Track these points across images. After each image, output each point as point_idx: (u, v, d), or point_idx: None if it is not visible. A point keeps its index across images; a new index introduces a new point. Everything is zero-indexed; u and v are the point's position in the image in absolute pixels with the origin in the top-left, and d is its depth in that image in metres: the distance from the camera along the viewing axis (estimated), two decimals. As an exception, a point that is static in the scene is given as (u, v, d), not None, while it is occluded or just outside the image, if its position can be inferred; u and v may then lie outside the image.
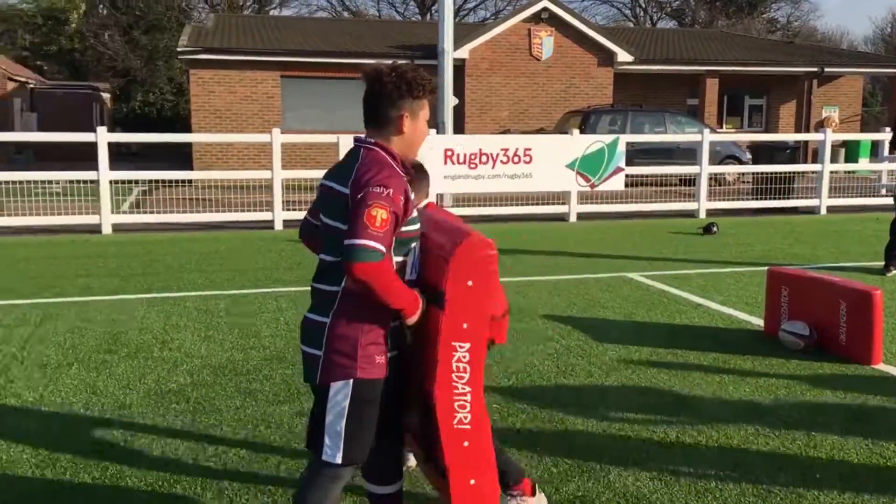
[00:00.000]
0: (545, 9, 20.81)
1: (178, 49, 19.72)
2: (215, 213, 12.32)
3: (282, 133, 12.21)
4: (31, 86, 31.16)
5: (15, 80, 29.39)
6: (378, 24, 32.07)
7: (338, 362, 2.44)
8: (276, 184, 11.81)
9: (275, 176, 11.80)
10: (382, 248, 2.35)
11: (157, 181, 15.88)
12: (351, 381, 2.44)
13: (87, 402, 4.52)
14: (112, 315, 6.50)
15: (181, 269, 8.54)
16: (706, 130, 14.07)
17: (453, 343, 2.57)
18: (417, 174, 3.26)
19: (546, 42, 21.10)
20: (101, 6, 39.76)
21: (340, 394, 2.45)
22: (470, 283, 2.52)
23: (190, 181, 16.46)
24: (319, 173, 13.33)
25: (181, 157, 24.34)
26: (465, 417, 2.63)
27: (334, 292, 2.48)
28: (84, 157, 25.60)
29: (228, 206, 12.93)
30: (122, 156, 28.71)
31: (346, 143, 11.70)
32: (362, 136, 2.62)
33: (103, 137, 11.20)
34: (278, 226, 11.87)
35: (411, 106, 2.55)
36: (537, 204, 13.29)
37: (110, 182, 11.36)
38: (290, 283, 7.85)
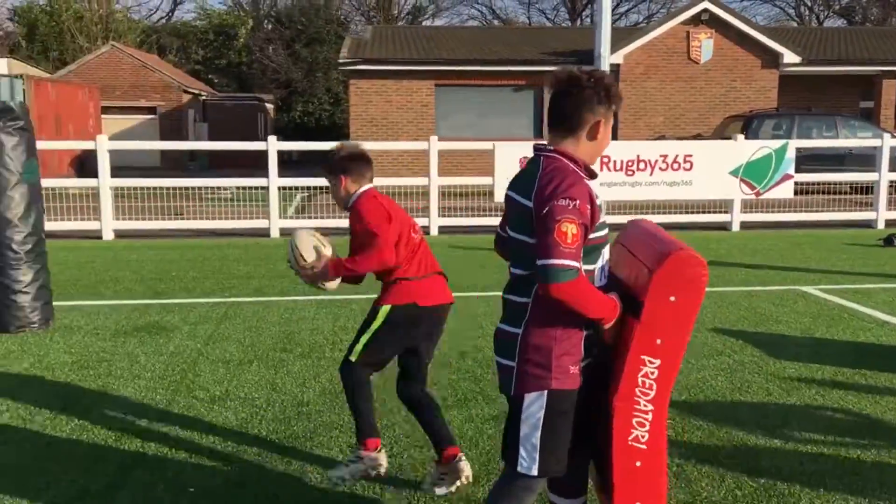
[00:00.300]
0: (705, 10, 20.10)
1: (339, 60, 20.51)
2: (373, 218, 12.65)
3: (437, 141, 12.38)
4: (203, 97, 33.32)
5: (189, 93, 31.52)
6: (529, 31, 32.07)
7: (532, 373, 2.42)
8: (432, 190, 12.02)
9: (431, 183, 12.01)
10: (577, 265, 2.31)
11: (318, 188, 16.57)
12: (545, 392, 2.41)
13: (268, 397, 4.74)
14: (284, 315, 6.80)
15: (345, 273, 8.82)
16: (886, 135, 13.11)
17: (643, 357, 2.48)
18: (360, 161, 3.62)
19: (706, 44, 20.37)
20: (266, 22, 42.03)
21: (535, 405, 2.42)
22: (673, 298, 2.42)
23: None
24: (472, 180, 13.48)
25: (338, 164, 25.30)
26: (643, 436, 2.52)
27: (525, 303, 2.46)
28: (249, 164, 27.08)
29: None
30: (282, 163, 30.19)
31: (502, 151, 11.76)
32: (542, 143, 2.58)
33: (273, 146, 11.78)
34: (434, 231, 12.07)
35: (606, 113, 2.50)
36: (697, 212, 12.82)
37: (279, 188, 11.94)
38: (449, 288, 7.93)
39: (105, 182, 11.28)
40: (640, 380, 2.48)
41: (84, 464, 3.82)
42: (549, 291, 2.29)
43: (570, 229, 2.29)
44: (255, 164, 28.55)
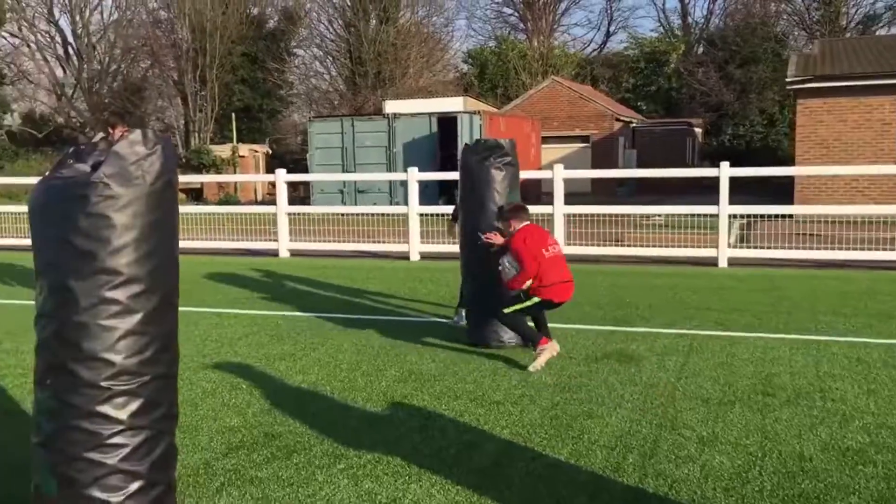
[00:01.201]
0: None
1: (787, 80, 19.22)
2: (829, 250, 11.48)
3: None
4: (633, 125, 33.86)
5: (620, 120, 32.26)
6: None
7: None
8: (911, 220, 10.50)
9: (914, 211, 10.49)
10: None
11: (759, 216, 15.62)
12: None
13: (762, 445, 4.38)
14: (756, 354, 6.36)
15: (812, 309, 8.06)
16: None
17: None
18: (520, 211, 6.30)
19: None
20: (696, 46, 41.45)
21: None
22: None
23: (790, 215, 15.81)
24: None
25: (770, 188, 23.70)
26: None
27: None
28: (676, 190, 26.69)
29: (841, 243, 11.89)
30: (702, 188, 29.36)
31: None
32: None
33: (725, 173, 11.33)
34: (912, 268, 10.55)
35: None
36: None
37: (729, 216, 11.48)
38: (949, 336, 6.76)
39: (559, 209, 11.88)
40: None
41: (588, 490, 3.86)
42: None
43: None
44: (681, 190, 28.20)
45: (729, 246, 11.69)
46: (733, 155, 34.62)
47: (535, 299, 6.11)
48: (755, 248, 12.14)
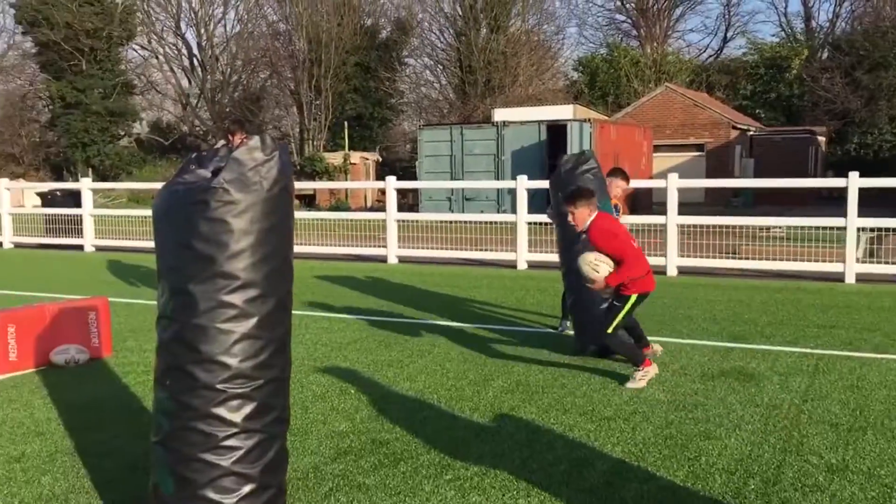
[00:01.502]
0: None
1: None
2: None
3: None
4: (751, 133, 32.61)
5: (737, 128, 31.11)
6: None
7: None
8: None
9: None
10: None
11: (888, 229, 14.70)
12: None
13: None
14: (888, 376, 5.93)
15: (952, 332, 7.47)
16: None
17: None
18: (591, 194, 5.74)
19: None
20: (821, 51, 39.61)
21: None
22: None
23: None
24: None
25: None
26: None
27: None
28: (794, 201, 25.45)
29: None
30: (823, 200, 27.98)
31: None
32: None
33: (855, 183, 10.71)
34: None
35: None
36: None
37: (858, 229, 10.84)
38: None
39: (672, 219, 11.51)
40: None
41: (706, 518, 3.67)
42: None
43: None
44: (801, 201, 26.90)
45: (857, 261, 11.03)
46: (860, 165, 32.76)
47: (632, 298, 5.67)
48: (886, 263, 11.41)
